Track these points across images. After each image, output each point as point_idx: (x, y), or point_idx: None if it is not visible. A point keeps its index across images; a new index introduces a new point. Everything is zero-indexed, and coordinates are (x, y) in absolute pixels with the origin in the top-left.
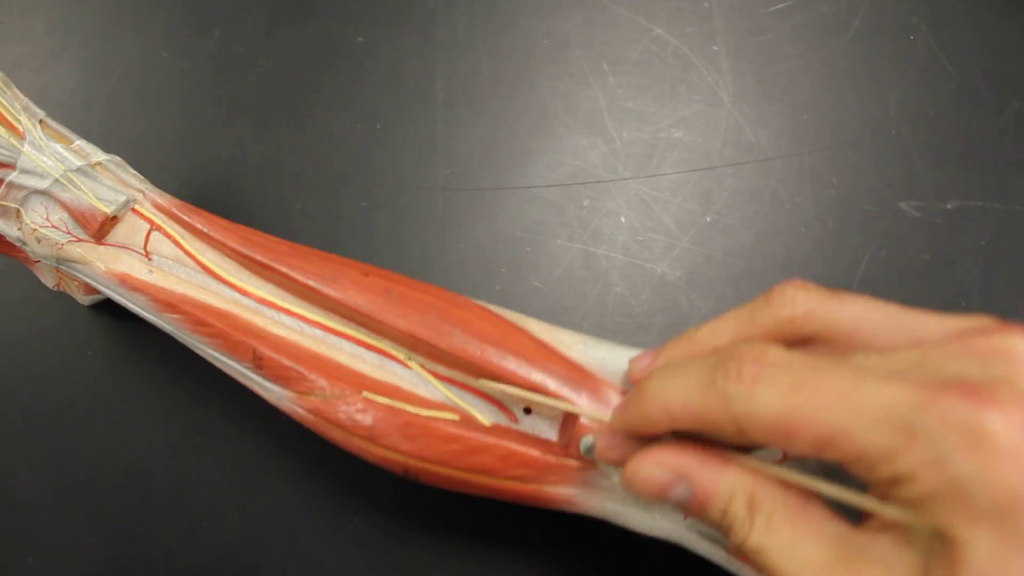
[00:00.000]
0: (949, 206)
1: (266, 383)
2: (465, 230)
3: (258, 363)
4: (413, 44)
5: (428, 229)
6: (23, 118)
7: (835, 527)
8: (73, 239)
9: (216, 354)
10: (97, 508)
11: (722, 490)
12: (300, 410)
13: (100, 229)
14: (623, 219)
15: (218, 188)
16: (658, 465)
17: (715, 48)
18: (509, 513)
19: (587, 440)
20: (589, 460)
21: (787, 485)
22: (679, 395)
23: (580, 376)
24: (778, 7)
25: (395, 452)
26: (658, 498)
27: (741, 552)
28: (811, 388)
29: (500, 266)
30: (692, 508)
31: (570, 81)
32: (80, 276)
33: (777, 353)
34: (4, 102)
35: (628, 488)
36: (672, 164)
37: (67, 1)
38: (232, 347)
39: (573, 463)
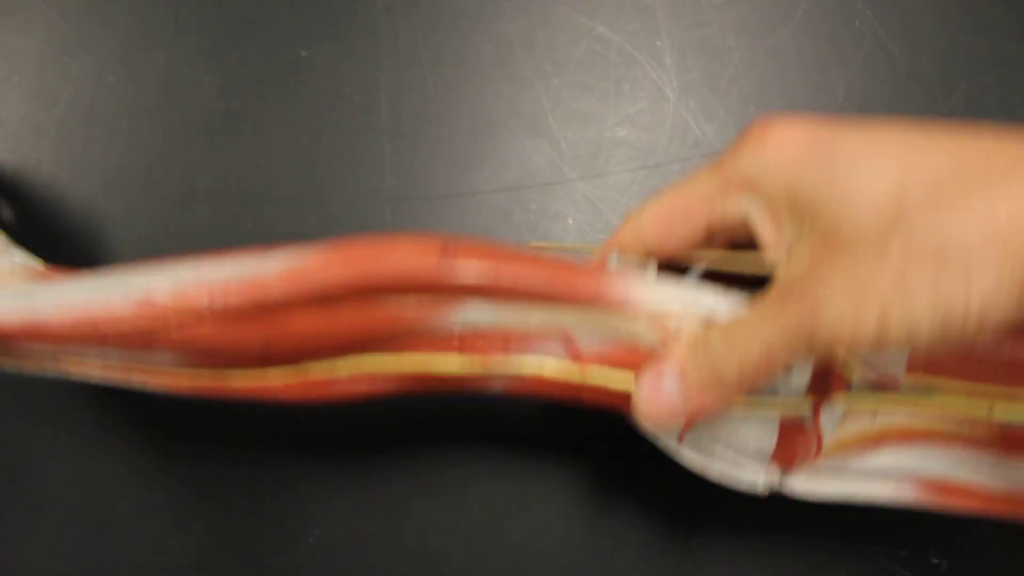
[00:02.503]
0: None
1: None
2: None
3: None
4: (356, 56)
5: None
6: None
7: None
8: None
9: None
10: (61, 530)
11: None
12: None
13: None
14: (571, 221)
15: (170, 211)
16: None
17: (659, 43)
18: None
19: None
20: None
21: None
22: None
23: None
24: None
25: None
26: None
27: None
28: None
29: None
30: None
31: (514, 85)
32: None
33: None
34: None
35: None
36: (618, 163)
37: (13, 28)
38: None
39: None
